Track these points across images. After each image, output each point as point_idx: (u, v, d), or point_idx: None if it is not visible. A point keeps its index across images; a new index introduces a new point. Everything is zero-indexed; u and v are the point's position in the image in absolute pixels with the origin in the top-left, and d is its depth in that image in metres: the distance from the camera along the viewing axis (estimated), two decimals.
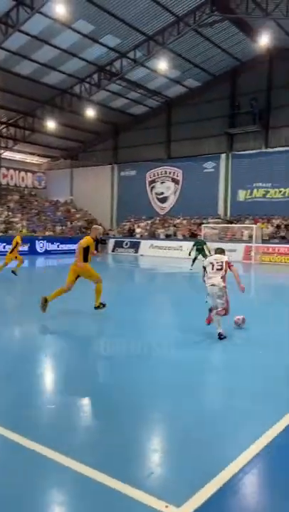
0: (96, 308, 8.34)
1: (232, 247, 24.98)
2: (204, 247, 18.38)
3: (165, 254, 27.11)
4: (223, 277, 6.89)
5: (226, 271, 6.94)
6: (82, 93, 26.59)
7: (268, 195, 27.33)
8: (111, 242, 31.07)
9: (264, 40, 21.47)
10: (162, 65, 23.99)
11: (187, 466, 3.26)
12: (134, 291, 13.85)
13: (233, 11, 20.87)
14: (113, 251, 30.57)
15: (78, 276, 8.12)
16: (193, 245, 18.87)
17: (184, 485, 2.98)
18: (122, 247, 30.35)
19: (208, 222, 27.81)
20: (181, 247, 27.34)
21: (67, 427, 3.82)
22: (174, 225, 29.70)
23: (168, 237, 29.05)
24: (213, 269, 6.99)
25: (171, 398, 4.54)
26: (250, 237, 24.74)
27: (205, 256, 17.54)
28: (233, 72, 27.93)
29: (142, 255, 28.56)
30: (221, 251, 7.43)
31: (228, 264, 7.01)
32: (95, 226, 9.39)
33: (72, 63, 24.32)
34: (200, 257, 17.83)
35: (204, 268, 7.19)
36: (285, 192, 26.65)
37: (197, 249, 18.50)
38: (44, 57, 23.17)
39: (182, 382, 5.01)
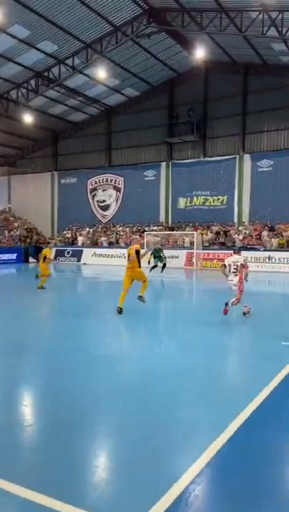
0: (139, 297, 9.91)
1: (174, 253, 25.47)
2: (161, 254, 20.53)
3: (108, 262, 26.98)
4: (239, 278, 9.09)
5: (240, 272, 9.09)
6: (19, 98, 25.89)
7: (207, 203, 28.17)
8: (52, 252, 30.33)
9: (200, 53, 22.21)
10: (101, 73, 24.02)
11: (136, 483, 3.18)
12: (77, 301, 13.58)
13: (169, 23, 21.41)
14: (54, 260, 29.88)
15: (133, 279, 9.81)
16: (151, 254, 20.08)
17: (133, 504, 2.90)
18: (64, 256, 29.80)
19: (151, 230, 28.11)
20: (124, 254, 27.34)
21: (6, 449, 3.60)
22: (117, 233, 29.67)
23: (111, 244, 28.97)
24: (230, 270, 9.16)
25: (117, 411, 4.45)
26: (191, 243, 25.32)
27: (162, 261, 20.43)
28: (170, 82, 28.62)
29: (84, 264, 28.21)
30: (238, 251, 9.72)
31: (243, 267, 9.15)
32: (135, 237, 12.99)
33: (8, 68, 23.64)
34: (159, 263, 20.33)
35: (224, 266, 9.38)
36: (223, 200, 27.63)
37: (155, 257, 20.32)
38: None
39: (128, 394, 4.93)
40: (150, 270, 19.58)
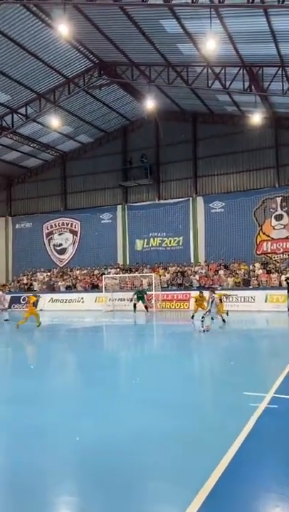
0: None
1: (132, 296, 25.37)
2: (144, 295, 22.79)
3: (66, 308, 26.43)
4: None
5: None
6: None
7: (163, 244, 28.64)
8: (7, 298, 29.37)
9: (150, 103, 23.19)
10: (54, 121, 24.45)
11: None
12: (33, 355, 13.05)
13: (119, 76, 22.37)
14: (10, 307, 28.88)
15: None
16: (134, 294, 22.88)
17: None
18: (20, 303, 28.88)
19: (109, 273, 28.01)
20: (82, 298, 26.98)
21: None
22: (75, 277, 29.30)
23: (68, 289, 28.50)
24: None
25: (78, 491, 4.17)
26: (150, 285, 25.39)
27: (144, 303, 22.52)
28: (123, 129, 29.60)
29: (41, 310, 27.36)
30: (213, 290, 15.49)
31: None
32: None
33: None
34: (140, 303, 22.58)
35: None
36: (179, 240, 28.21)
37: (138, 298, 22.65)
38: None
39: (86, 469, 4.66)
40: (134, 310, 22.45)
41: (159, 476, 4.48)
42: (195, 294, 21.28)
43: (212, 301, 15.27)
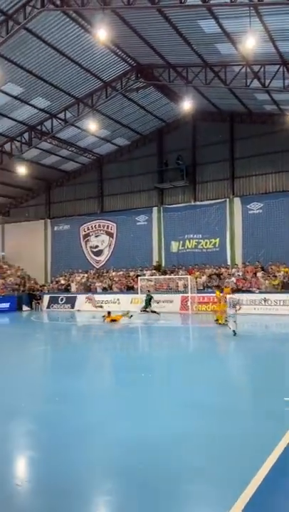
0: None
1: (168, 298, 25.36)
2: (151, 300, 23.04)
3: (102, 309, 26.66)
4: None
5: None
6: (13, 151, 26.54)
7: (199, 246, 28.41)
8: (46, 299, 30.13)
9: (186, 104, 23.12)
10: (92, 125, 24.82)
11: None
12: (71, 355, 13.27)
13: (156, 78, 22.44)
14: (48, 307, 29.59)
15: None
16: (146, 299, 23.23)
17: None
18: (58, 303, 29.49)
19: (144, 274, 28.10)
20: (118, 300, 27.18)
21: None
22: (111, 279, 29.60)
23: (104, 290, 28.81)
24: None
25: (114, 490, 4.20)
26: (185, 287, 25.25)
27: (150, 306, 22.84)
28: (159, 131, 29.64)
29: (78, 310, 27.89)
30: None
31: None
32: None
33: (2, 123, 24.37)
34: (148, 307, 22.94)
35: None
36: (215, 242, 27.89)
37: (147, 301, 23.03)
38: None
39: (121, 470, 4.68)
40: (141, 311, 22.93)
41: (199, 479, 4.44)
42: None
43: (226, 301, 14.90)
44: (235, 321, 14.17)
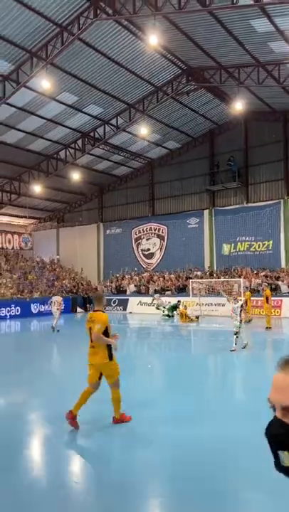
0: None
1: (221, 301, 24.97)
2: (178, 306, 24.06)
3: (154, 311, 26.82)
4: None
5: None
6: (67, 158, 27.49)
7: (252, 249, 27.83)
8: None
9: (238, 105, 22.82)
10: (143, 130, 25.14)
11: None
12: (128, 355, 13.48)
13: (207, 80, 22.33)
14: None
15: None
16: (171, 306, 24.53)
17: None
18: (110, 305, 30.01)
19: (195, 277, 27.96)
20: (170, 302, 27.21)
21: None
22: (162, 281, 29.71)
23: (156, 292, 28.94)
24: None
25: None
26: (237, 290, 24.78)
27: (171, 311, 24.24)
28: (210, 133, 29.43)
29: (130, 313, 28.25)
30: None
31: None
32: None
33: (57, 131, 25.33)
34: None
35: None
36: (268, 245, 27.19)
37: (172, 309, 24.33)
38: (30, 126, 24.11)
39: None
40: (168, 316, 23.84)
41: (254, 486, 4.39)
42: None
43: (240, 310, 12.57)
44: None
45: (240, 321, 12.30)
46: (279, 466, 0.92)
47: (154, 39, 17.03)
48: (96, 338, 5.85)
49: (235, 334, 12.15)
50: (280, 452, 0.91)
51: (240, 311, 12.42)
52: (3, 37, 17.07)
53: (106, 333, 6.00)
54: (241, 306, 12.66)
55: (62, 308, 18.55)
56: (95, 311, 6.30)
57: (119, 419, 6.08)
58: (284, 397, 0.91)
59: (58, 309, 18.01)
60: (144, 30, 17.59)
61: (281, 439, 0.88)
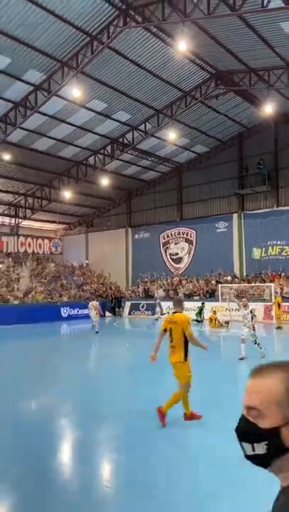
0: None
1: (251, 306, 24.63)
2: (203, 308, 24.73)
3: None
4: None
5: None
6: (96, 164, 27.86)
7: (283, 253, 27.34)
8: (127, 305, 30.95)
9: (268, 107, 22.52)
10: (171, 134, 25.18)
11: None
12: None
13: (236, 83, 22.18)
14: (129, 314, 30.36)
15: None
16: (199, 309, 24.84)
17: None
18: (139, 310, 30.14)
19: (225, 281, 27.69)
20: (197, 307, 27.05)
21: None
22: (191, 286, 29.59)
23: (185, 297, 28.80)
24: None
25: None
26: (269, 295, 24.40)
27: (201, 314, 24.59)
28: (239, 136, 29.17)
29: (159, 317, 28.20)
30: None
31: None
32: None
33: (86, 138, 25.71)
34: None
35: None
36: None
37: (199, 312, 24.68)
38: (60, 133, 24.59)
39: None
40: (198, 321, 23.73)
41: None
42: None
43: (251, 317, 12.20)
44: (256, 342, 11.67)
45: (253, 328, 11.94)
46: (245, 455, 1.14)
47: (183, 45, 17.07)
48: (190, 338, 6.49)
49: (256, 344, 11.67)
50: (243, 444, 1.13)
51: (251, 317, 12.06)
52: (35, 48, 17.53)
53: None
54: (251, 312, 12.24)
55: (100, 312, 20.49)
56: (174, 313, 6.78)
57: (189, 416, 6.57)
58: (250, 399, 1.13)
59: (96, 313, 19.81)
60: (173, 36, 17.65)
61: (245, 433, 1.13)
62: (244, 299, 13.93)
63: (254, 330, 11.94)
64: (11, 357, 14.25)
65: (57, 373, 11.38)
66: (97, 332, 19.38)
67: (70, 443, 6.23)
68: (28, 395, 8.86)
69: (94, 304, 20.34)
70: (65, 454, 5.86)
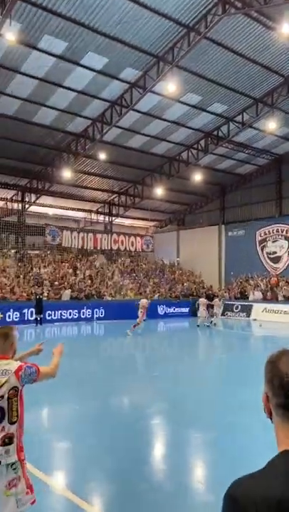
0: None
1: None
2: None
3: (281, 319, 24.96)
4: None
5: None
6: (188, 159, 27.10)
7: None
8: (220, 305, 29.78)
9: None
10: (271, 124, 23.44)
11: None
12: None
13: None
14: (223, 315, 29.19)
15: None
16: None
17: None
18: (233, 311, 28.85)
19: None
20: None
21: None
22: None
23: (287, 300, 26.90)
24: None
25: None
26: None
27: None
28: None
29: (254, 320, 26.73)
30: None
31: None
32: None
33: (179, 133, 25.05)
34: None
35: None
36: None
37: None
38: (154, 130, 24.25)
39: None
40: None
41: None
42: None
43: None
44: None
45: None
46: None
47: (287, 28, 15.63)
48: None
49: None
50: None
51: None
52: (132, 45, 17.27)
53: None
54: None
55: (147, 310, 19.53)
56: None
57: None
58: None
59: (141, 312, 18.93)
60: (276, 19, 16.18)
61: None
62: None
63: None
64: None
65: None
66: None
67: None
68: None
69: (143, 302, 19.50)
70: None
